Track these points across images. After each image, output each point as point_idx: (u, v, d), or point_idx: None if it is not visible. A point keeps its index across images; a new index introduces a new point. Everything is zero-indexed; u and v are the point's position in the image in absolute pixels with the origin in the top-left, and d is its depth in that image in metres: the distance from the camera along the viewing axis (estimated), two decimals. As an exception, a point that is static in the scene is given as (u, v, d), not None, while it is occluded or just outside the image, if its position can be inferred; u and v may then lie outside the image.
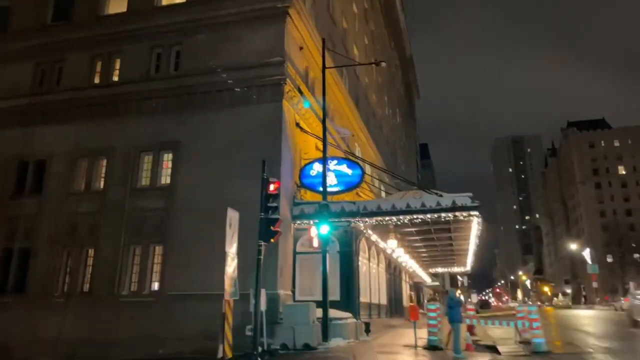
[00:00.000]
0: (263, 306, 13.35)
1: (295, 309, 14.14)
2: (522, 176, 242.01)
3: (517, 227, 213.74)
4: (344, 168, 17.08)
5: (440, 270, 41.10)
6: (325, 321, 13.88)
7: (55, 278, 17.46)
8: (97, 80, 19.70)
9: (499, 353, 13.11)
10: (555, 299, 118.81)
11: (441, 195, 15.91)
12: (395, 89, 57.00)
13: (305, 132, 17.89)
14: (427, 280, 42.49)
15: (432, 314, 13.64)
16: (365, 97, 34.01)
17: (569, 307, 74.65)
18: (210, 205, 16.31)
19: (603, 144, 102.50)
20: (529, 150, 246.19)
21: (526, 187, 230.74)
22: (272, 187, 12.54)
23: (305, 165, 17.49)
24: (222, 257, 15.71)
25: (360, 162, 17.49)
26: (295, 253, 16.91)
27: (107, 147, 18.32)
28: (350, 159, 17.78)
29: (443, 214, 15.50)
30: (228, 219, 11.70)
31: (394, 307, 26.54)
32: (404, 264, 29.27)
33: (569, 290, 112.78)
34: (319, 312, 14.38)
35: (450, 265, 37.05)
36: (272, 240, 12.50)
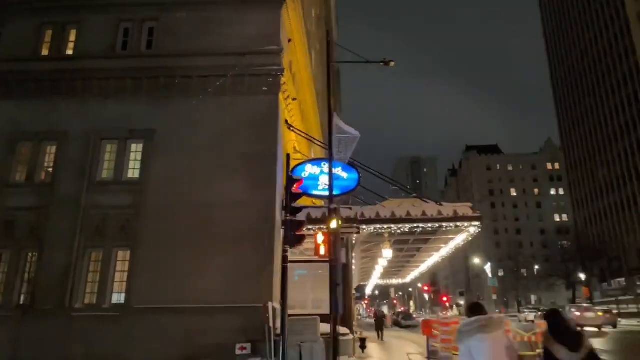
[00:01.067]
0: (271, 321, 11.70)
1: (301, 324, 12.59)
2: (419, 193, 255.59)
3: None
4: (339, 171, 15.90)
5: (377, 281, 41.11)
6: (335, 338, 12.52)
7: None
8: (45, 51, 16.57)
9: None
10: (450, 310, 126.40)
11: (441, 204, 15.39)
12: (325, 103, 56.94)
13: (296, 131, 16.49)
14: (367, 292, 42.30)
15: (446, 328, 12.94)
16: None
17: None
18: (192, 206, 14.30)
19: (498, 167, 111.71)
20: (425, 170, 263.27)
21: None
22: (295, 185, 11.03)
23: (296, 166, 16.04)
24: (206, 266, 13.80)
25: (358, 166, 16.44)
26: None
27: (58, 130, 15.34)
28: (347, 164, 16.66)
29: (444, 224, 14.97)
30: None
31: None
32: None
33: (462, 302, 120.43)
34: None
35: (389, 277, 37.10)
36: (297, 245, 10.95)
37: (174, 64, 15.59)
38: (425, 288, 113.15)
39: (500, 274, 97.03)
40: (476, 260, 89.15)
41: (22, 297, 14.28)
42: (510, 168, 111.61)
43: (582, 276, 67.13)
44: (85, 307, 14.01)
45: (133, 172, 15.16)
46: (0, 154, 15.21)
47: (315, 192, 15.66)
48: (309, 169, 15.82)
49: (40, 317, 13.50)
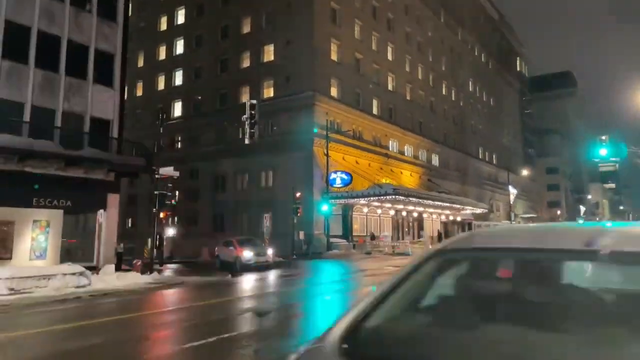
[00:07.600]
0: (302, 237, 34.77)
1: (316, 239, 35.33)
2: None
3: None
4: (344, 175, 36.99)
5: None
6: (327, 242, 34.72)
7: (238, 227, 41.58)
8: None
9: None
10: None
11: (381, 187, 34.93)
12: (475, 59, 69.69)
13: (327, 156, 38.08)
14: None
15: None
16: (404, 99, 51.20)
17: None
18: (288, 198, 38.04)
19: None
20: None
21: None
22: (297, 194, 33.50)
23: (330, 173, 37.76)
24: (301, 222, 37.46)
25: (350, 172, 37.21)
26: (329, 215, 37.68)
27: (245, 168, 41.27)
28: (346, 171, 37.50)
29: (381, 197, 34.61)
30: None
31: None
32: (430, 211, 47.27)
33: None
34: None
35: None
36: (298, 215, 33.62)
37: (279, 140, 39.16)
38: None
39: None
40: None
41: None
42: None
43: None
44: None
45: (269, 183, 39.87)
46: (232, 179, 42.18)
47: (335, 185, 37.14)
48: (333, 175, 37.31)
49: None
